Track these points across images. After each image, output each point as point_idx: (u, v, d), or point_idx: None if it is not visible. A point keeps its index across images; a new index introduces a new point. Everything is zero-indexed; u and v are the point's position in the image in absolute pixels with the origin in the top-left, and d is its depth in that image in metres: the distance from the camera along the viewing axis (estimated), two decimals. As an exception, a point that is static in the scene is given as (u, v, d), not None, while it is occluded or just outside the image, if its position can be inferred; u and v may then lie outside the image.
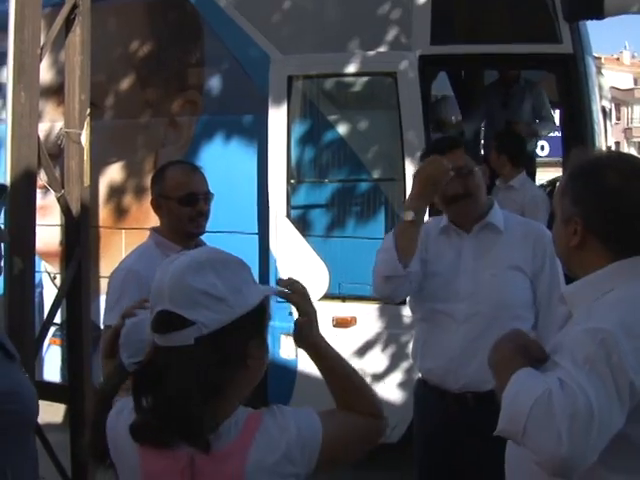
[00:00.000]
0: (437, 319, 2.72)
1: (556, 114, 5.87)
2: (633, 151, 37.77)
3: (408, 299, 3.05)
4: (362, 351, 4.37)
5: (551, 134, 6.43)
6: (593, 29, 5.00)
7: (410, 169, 4.10)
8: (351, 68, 4.45)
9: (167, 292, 1.45)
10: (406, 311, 4.04)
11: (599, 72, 6.09)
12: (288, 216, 4.52)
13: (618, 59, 50.37)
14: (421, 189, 2.60)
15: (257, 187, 4.65)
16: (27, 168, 3.38)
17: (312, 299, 1.63)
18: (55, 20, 3.61)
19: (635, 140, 45.49)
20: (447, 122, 6.32)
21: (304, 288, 1.62)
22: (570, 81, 4.39)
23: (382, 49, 4.46)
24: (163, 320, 1.45)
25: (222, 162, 4.59)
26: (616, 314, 1.55)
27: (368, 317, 4.42)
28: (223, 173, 4.36)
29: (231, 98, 4.78)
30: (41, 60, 3.43)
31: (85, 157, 3.77)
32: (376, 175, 4.58)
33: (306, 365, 4.41)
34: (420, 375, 2.90)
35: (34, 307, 3.62)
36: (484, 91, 6.28)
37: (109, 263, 4.83)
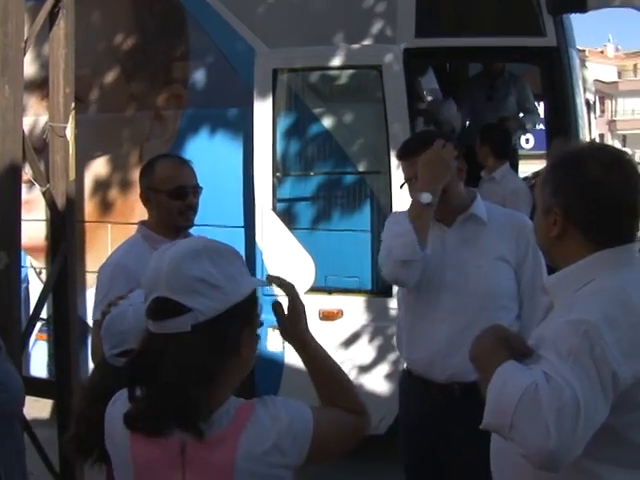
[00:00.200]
0: (423, 310, 2.74)
1: (540, 107, 5.90)
2: (617, 144, 37.96)
3: (396, 290, 3.06)
4: (349, 343, 4.39)
5: (535, 127, 6.45)
6: (577, 22, 5.05)
7: (395, 162, 4.11)
8: (336, 61, 4.45)
9: (164, 279, 1.46)
10: (392, 303, 4.06)
11: (583, 65, 6.13)
12: (274, 209, 4.52)
13: (602, 52, 50.59)
14: (433, 172, 2.61)
15: (243, 180, 4.65)
16: (12, 162, 3.36)
17: (300, 294, 1.65)
18: (39, 13, 3.59)
19: (619, 133, 45.75)
20: (442, 121, 6.34)
21: (292, 285, 1.64)
22: (554, 74, 4.41)
23: (367, 42, 4.47)
24: (159, 307, 1.46)
25: (207, 155, 4.58)
26: (598, 305, 1.56)
27: (354, 310, 4.43)
28: (209, 166, 4.34)
29: (216, 91, 4.77)
30: (25, 53, 3.42)
31: (70, 151, 3.76)
32: (361, 168, 4.58)
33: (293, 358, 4.42)
34: (405, 366, 2.92)
35: (20, 302, 3.61)
36: (468, 84, 6.30)
37: (95, 257, 4.83)
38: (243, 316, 1.51)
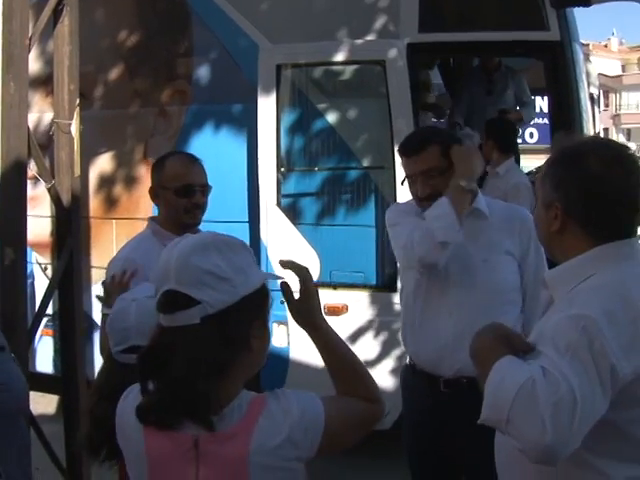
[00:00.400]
0: (428, 305, 2.74)
1: (544, 101, 5.90)
2: (622, 138, 37.89)
3: (399, 286, 3.06)
4: (354, 339, 4.39)
5: (540, 121, 6.46)
6: (581, 16, 5.03)
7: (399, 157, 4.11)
8: (340, 56, 4.45)
9: (173, 272, 1.48)
10: (397, 298, 4.05)
11: (587, 59, 6.13)
12: (278, 204, 4.53)
13: (606, 46, 50.36)
14: (472, 162, 2.68)
15: (247, 176, 4.65)
16: (17, 159, 3.37)
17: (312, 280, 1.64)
18: (43, 11, 3.60)
19: (623, 127, 45.60)
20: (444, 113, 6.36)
21: (306, 267, 1.64)
22: (558, 68, 4.40)
23: (370, 37, 4.46)
24: (169, 300, 1.48)
25: (212, 151, 4.57)
26: (598, 300, 1.56)
27: (359, 305, 4.44)
28: (213, 162, 4.31)
29: (220, 87, 4.78)
30: (30, 51, 3.43)
31: (75, 147, 3.77)
32: (366, 163, 4.59)
33: (298, 353, 4.44)
34: (408, 360, 2.92)
35: (26, 298, 3.62)
36: (466, 78, 6.30)
37: (100, 253, 4.85)
38: (253, 309, 1.51)
